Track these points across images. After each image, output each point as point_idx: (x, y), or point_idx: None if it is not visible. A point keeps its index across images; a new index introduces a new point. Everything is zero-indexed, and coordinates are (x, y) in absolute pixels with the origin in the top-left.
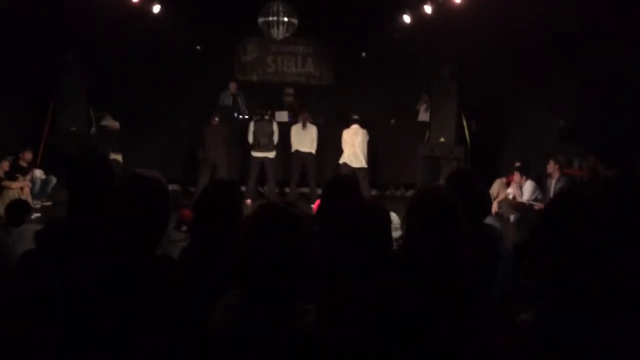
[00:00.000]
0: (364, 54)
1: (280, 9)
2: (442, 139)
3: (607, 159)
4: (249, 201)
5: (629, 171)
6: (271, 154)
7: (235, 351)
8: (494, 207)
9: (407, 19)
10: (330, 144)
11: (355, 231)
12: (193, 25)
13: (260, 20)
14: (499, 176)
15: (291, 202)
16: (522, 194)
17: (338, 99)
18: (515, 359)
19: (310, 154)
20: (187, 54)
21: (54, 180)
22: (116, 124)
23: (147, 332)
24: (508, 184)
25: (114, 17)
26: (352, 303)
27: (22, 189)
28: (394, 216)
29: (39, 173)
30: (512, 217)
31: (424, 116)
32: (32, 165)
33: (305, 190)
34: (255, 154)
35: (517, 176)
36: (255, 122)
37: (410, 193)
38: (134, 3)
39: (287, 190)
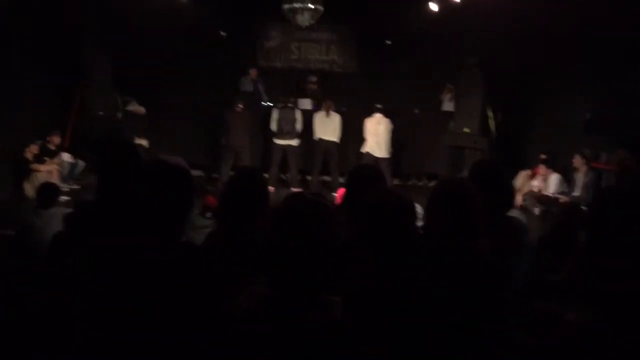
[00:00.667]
0: (388, 42)
1: None
2: (466, 129)
3: (636, 153)
4: (271, 188)
5: None
6: (294, 142)
7: (261, 340)
8: (519, 199)
9: (433, 7)
10: (352, 132)
11: (382, 221)
12: (218, 10)
13: (286, 6)
14: (524, 168)
15: (317, 192)
16: (547, 187)
17: (361, 86)
18: None
19: (333, 142)
20: (211, 39)
21: (81, 163)
22: (142, 109)
23: (169, 316)
24: (533, 177)
25: (140, 3)
26: (376, 293)
27: (50, 172)
28: (416, 206)
29: (67, 157)
30: (536, 210)
31: (448, 106)
32: (60, 148)
33: (327, 178)
34: (278, 141)
35: (542, 169)
36: (279, 109)
37: (433, 184)
38: None
39: (309, 178)
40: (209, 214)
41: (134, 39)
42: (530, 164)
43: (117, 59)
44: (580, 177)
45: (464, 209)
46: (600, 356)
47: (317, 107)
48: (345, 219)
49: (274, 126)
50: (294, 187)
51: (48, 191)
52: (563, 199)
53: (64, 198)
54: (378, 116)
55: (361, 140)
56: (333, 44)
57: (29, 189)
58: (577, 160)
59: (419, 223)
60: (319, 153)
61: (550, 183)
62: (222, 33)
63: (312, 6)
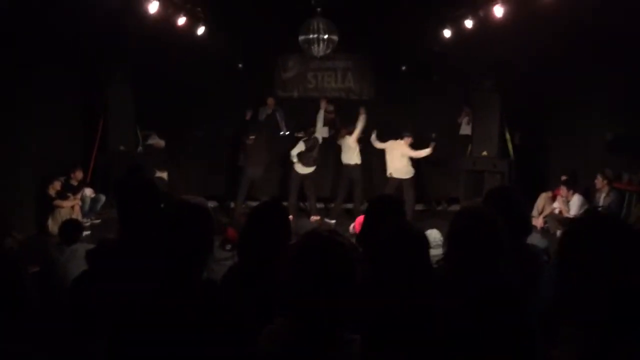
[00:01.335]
0: (404, 68)
1: (321, 26)
2: (484, 153)
3: None
4: (291, 217)
5: None
6: (311, 169)
7: None
8: (540, 221)
9: (447, 33)
10: (374, 158)
11: (393, 257)
12: (235, 43)
13: (301, 38)
14: (544, 190)
15: (334, 230)
16: (569, 209)
17: (378, 113)
18: None
19: (354, 166)
20: (229, 72)
21: (103, 198)
22: (162, 142)
23: (191, 355)
24: (554, 198)
25: (160, 37)
26: (395, 326)
27: (73, 207)
28: (435, 233)
29: (88, 192)
30: (558, 233)
31: (465, 129)
32: (83, 184)
33: (349, 206)
34: (298, 169)
35: (563, 190)
36: (304, 141)
37: (453, 208)
38: (180, 25)
39: (332, 205)
40: (228, 246)
41: (154, 72)
42: (551, 186)
43: (137, 93)
44: (602, 198)
45: (485, 237)
46: None
47: (334, 135)
48: (361, 251)
49: (295, 155)
50: (314, 214)
51: (71, 228)
52: None
53: (85, 233)
54: (400, 141)
55: (384, 165)
56: (349, 72)
57: (53, 226)
58: (599, 181)
59: (438, 250)
60: (344, 179)
61: (572, 205)
62: (240, 65)
63: (327, 36)
